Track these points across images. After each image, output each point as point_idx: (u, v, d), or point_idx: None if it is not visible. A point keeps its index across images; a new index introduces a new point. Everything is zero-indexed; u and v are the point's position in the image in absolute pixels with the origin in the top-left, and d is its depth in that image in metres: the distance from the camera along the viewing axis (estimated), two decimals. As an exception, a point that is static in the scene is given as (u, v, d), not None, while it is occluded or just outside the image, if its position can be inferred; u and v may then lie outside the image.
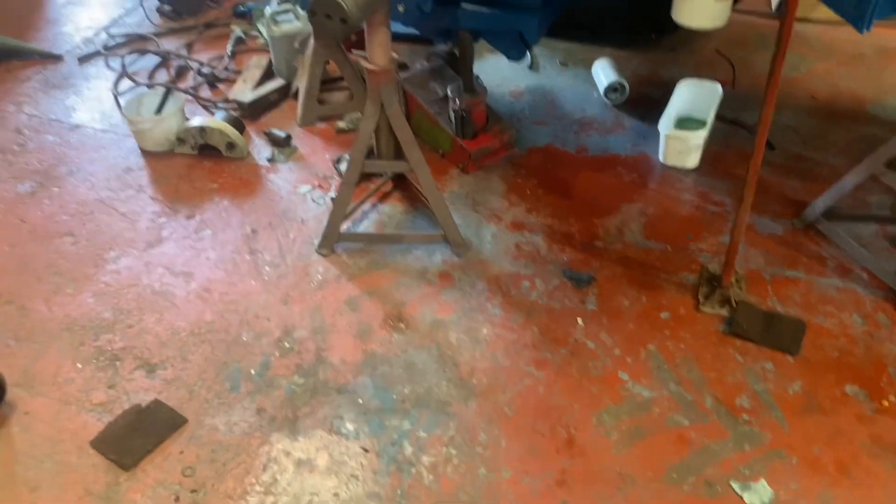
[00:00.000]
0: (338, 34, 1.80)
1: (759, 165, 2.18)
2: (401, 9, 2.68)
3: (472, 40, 2.96)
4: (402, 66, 3.52)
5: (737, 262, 2.58)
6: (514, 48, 2.93)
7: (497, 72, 3.72)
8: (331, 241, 2.76)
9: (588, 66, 3.69)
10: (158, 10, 4.37)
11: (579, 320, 2.48)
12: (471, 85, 3.04)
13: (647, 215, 2.89)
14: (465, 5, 2.80)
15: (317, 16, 1.74)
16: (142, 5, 4.33)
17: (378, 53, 2.41)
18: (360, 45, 3.42)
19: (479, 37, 3.02)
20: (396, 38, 3.81)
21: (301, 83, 3.45)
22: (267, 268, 2.71)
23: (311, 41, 3.30)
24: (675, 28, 2.57)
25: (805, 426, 2.14)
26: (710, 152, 3.14)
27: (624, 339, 2.41)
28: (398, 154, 2.69)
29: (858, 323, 2.42)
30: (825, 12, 2.58)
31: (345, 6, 1.70)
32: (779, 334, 2.38)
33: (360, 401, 2.25)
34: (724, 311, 2.46)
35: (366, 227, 2.90)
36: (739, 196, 2.27)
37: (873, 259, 2.58)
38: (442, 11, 2.84)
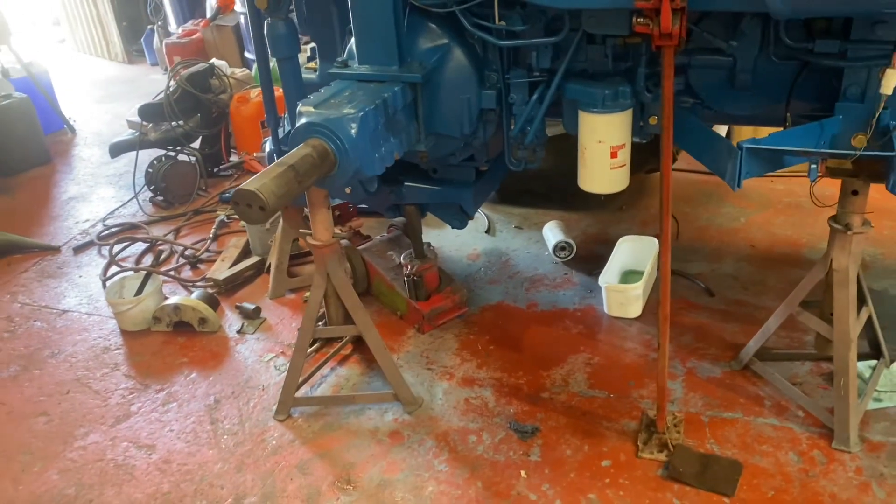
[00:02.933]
0: (259, 220, 2.04)
1: (668, 301, 2.33)
2: (347, 190, 2.96)
3: (418, 213, 3.23)
4: (367, 238, 3.81)
5: (678, 406, 2.67)
6: (456, 218, 3.19)
7: (456, 237, 3.98)
8: (287, 407, 2.88)
9: (541, 228, 3.95)
10: (151, 201, 4.79)
11: (523, 473, 2.53)
12: (421, 251, 3.28)
13: (592, 365, 3.00)
14: (407, 183, 3.10)
15: (239, 205, 2.00)
16: (136, 198, 4.74)
17: (320, 230, 2.66)
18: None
19: (426, 210, 3.29)
20: (363, 213, 4.15)
21: (273, 259, 3.72)
22: (226, 436, 2.82)
23: (281, 221, 3.61)
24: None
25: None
26: (654, 302, 3.29)
27: (565, 489, 2.45)
28: (347, 319, 2.88)
29: (794, 461, 2.45)
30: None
31: (262, 196, 1.96)
32: (715, 476, 2.41)
33: (302, 565, 2.28)
34: (663, 456, 2.51)
35: (323, 390, 3.03)
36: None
37: (806, 397, 2.65)
38: (387, 190, 3.13)
